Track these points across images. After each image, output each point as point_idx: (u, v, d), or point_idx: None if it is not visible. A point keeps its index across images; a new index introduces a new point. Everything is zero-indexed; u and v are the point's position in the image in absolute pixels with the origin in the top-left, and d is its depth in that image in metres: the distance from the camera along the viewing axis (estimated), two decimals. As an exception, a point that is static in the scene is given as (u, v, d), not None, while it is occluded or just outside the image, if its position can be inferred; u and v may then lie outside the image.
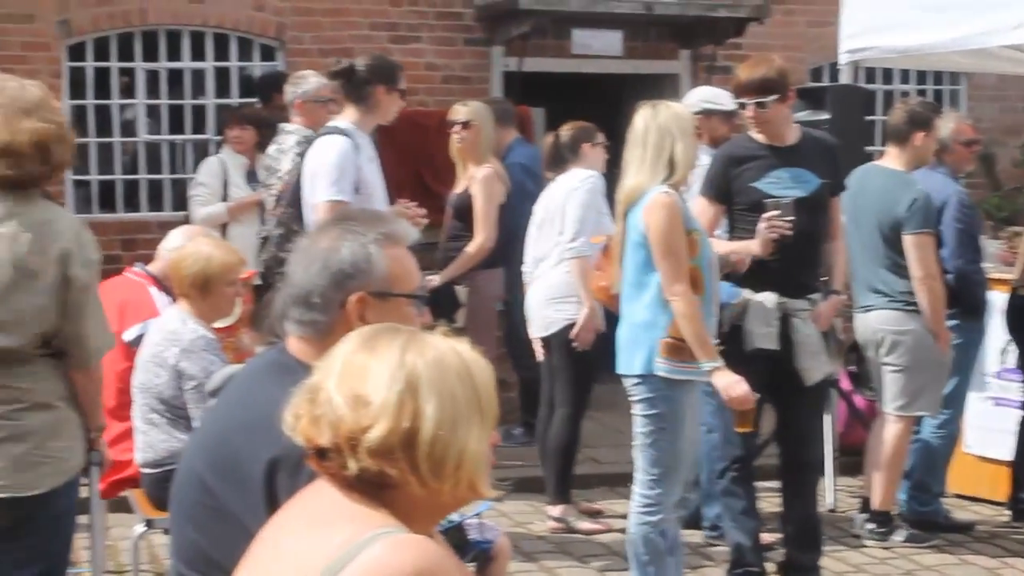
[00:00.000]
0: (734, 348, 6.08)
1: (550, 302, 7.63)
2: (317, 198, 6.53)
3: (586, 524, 7.76)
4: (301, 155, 8.13)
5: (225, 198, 9.51)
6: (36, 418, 4.15)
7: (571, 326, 7.51)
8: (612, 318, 6.35)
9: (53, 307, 4.17)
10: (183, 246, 6.15)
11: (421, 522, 2.45)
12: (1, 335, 4.08)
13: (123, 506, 6.50)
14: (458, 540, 4.46)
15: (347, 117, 6.70)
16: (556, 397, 7.82)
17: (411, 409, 2.35)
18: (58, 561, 4.41)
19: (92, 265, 4.32)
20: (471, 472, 2.41)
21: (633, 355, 5.67)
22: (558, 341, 7.63)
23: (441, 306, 7.80)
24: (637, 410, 5.71)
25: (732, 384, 5.61)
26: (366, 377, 2.38)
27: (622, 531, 6.17)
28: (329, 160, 6.51)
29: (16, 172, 4.11)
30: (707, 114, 7.57)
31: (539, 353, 7.80)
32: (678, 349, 5.55)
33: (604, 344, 6.76)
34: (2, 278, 4.07)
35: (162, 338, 5.72)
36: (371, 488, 2.39)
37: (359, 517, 2.38)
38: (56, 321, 4.20)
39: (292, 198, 6.93)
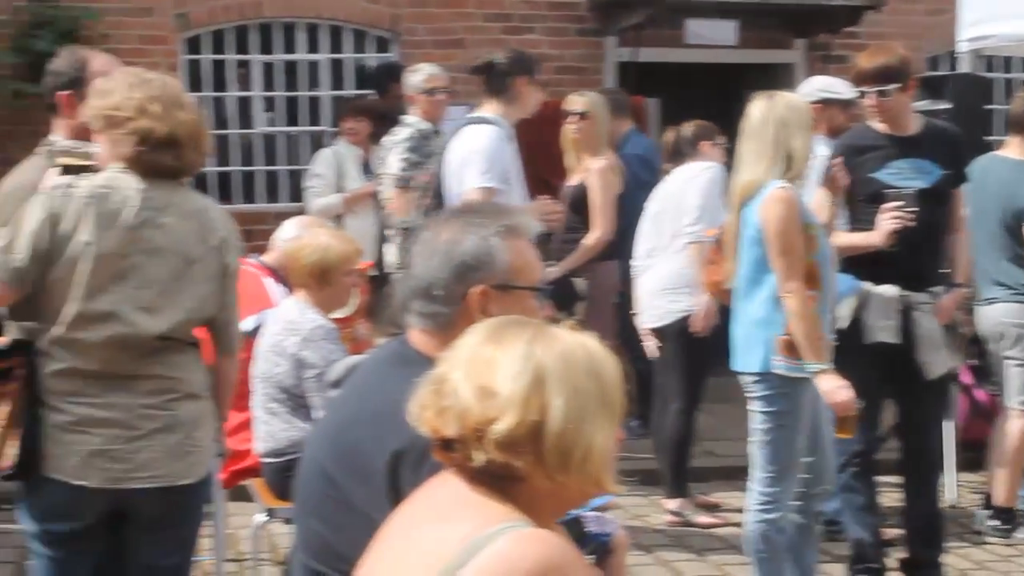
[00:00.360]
0: (853, 342, 6.00)
1: (664, 292, 7.58)
2: (467, 185, 6.58)
3: (703, 518, 7.71)
4: (412, 149, 8.22)
5: (340, 189, 9.56)
6: (187, 408, 4.20)
7: (685, 318, 7.46)
8: (724, 311, 6.29)
9: (211, 294, 4.22)
10: (301, 236, 6.18)
11: (545, 516, 2.43)
12: (163, 322, 4.11)
13: (241, 495, 6.55)
14: (576, 533, 4.43)
15: (489, 111, 6.75)
16: (669, 390, 7.77)
17: (539, 402, 2.34)
18: (193, 550, 4.47)
19: (241, 252, 4.43)
20: (597, 466, 2.39)
21: (750, 352, 5.61)
22: (671, 332, 7.58)
23: (559, 298, 7.78)
24: (755, 407, 5.65)
25: (836, 389, 5.50)
26: (494, 369, 2.37)
27: (739, 525, 6.12)
28: (479, 147, 6.59)
29: (177, 163, 4.16)
30: (825, 103, 7.46)
31: (649, 345, 7.75)
32: (795, 346, 5.48)
33: (717, 336, 6.71)
34: (166, 266, 4.12)
35: (281, 328, 5.75)
36: (497, 480, 2.39)
37: (484, 510, 2.37)
38: (213, 309, 4.24)
39: (436, 189, 6.98)
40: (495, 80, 6.76)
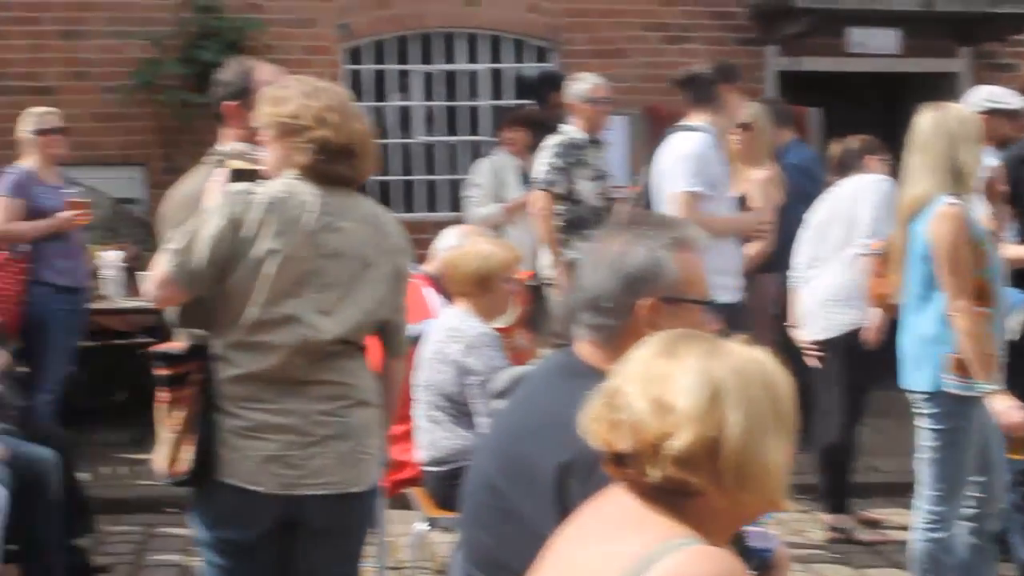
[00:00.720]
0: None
1: (829, 304, 7.47)
2: (673, 188, 6.64)
3: (865, 534, 7.59)
4: (559, 155, 8.24)
5: (499, 199, 9.59)
6: (359, 415, 4.21)
7: (850, 331, 7.35)
8: (890, 325, 6.19)
9: (386, 297, 4.25)
10: (461, 245, 6.21)
11: (717, 533, 2.41)
12: (341, 325, 4.14)
13: (401, 502, 6.58)
14: (738, 548, 4.39)
15: (695, 120, 6.82)
16: (831, 403, 7.66)
17: (716, 417, 2.31)
18: (360, 560, 4.49)
19: (411, 257, 4.47)
20: (773, 484, 2.36)
21: (919, 370, 5.51)
22: (836, 345, 7.47)
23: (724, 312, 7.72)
24: (923, 424, 5.55)
25: (1008, 410, 5.38)
26: (669, 383, 2.35)
27: (902, 542, 6.02)
28: (688, 153, 6.68)
29: (351, 172, 4.20)
30: (991, 114, 7.31)
31: (810, 357, 7.65)
32: (966, 365, 5.37)
33: (882, 350, 6.60)
34: (344, 270, 4.15)
35: (444, 335, 5.78)
36: (669, 496, 2.36)
37: (655, 526, 2.35)
38: (386, 312, 4.28)
39: (643, 198, 7.03)
40: (700, 90, 6.88)
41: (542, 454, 2.92)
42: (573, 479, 2.85)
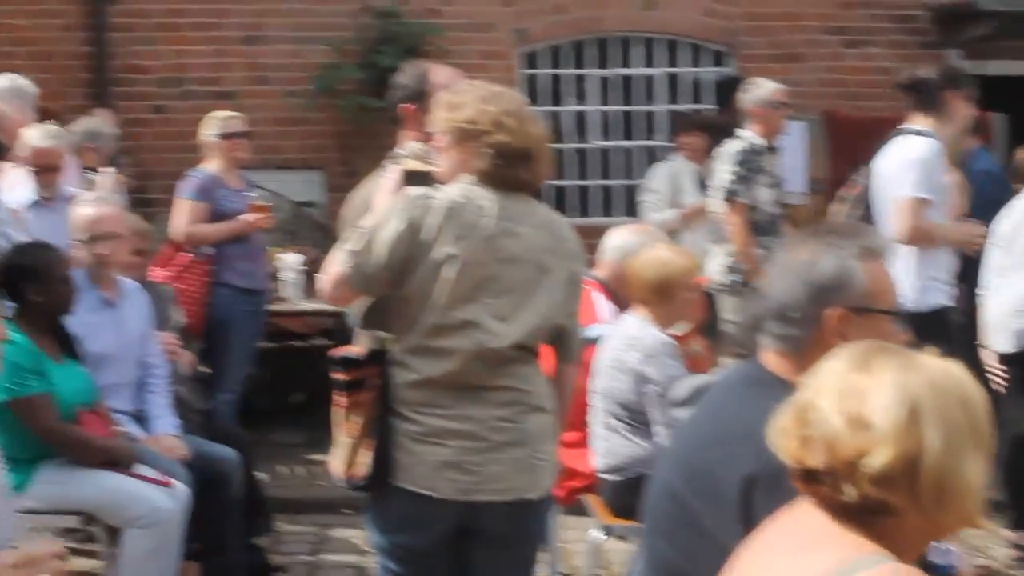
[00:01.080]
0: None
1: (1016, 315, 7.27)
2: (900, 193, 6.56)
3: (1050, 552, 7.39)
4: (742, 163, 8.15)
5: (676, 205, 9.54)
6: (534, 421, 4.19)
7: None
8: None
9: (561, 302, 4.24)
10: (637, 248, 6.16)
11: (908, 551, 2.35)
12: (518, 331, 4.13)
13: (575, 509, 6.55)
14: (922, 564, 4.29)
15: (920, 125, 6.73)
16: (1015, 418, 7.46)
17: (914, 435, 2.25)
18: (534, 568, 4.46)
19: (585, 262, 4.46)
20: (971, 501, 2.29)
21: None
22: (1021, 358, 7.27)
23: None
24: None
25: None
26: (865, 398, 2.29)
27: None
28: (915, 158, 6.60)
29: (528, 176, 4.20)
30: None
31: (994, 370, 7.45)
32: None
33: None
34: (521, 275, 4.14)
35: (623, 343, 5.75)
36: (862, 514, 2.30)
37: (845, 542, 2.30)
38: (562, 317, 4.27)
39: (862, 201, 6.95)
40: (926, 95, 6.76)
41: (727, 465, 2.89)
42: (758, 492, 2.81)
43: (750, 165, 8.27)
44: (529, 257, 4.16)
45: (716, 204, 8.44)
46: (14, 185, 7.23)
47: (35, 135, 7.36)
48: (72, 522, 5.72)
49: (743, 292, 8.16)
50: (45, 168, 7.31)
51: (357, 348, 4.25)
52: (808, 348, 2.96)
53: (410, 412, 4.10)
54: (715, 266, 8.45)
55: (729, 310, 8.37)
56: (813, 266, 3.05)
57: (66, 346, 5.71)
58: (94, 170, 8.28)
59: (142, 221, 7.36)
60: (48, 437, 5.50)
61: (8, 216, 6.46)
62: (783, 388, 2.50)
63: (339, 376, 4.17)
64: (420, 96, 4.71)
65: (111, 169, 8.41)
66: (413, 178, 4.32)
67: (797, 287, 3.05)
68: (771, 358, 3.11)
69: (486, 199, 4.11)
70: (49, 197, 7.29)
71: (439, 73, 4.83)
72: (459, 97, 4.23)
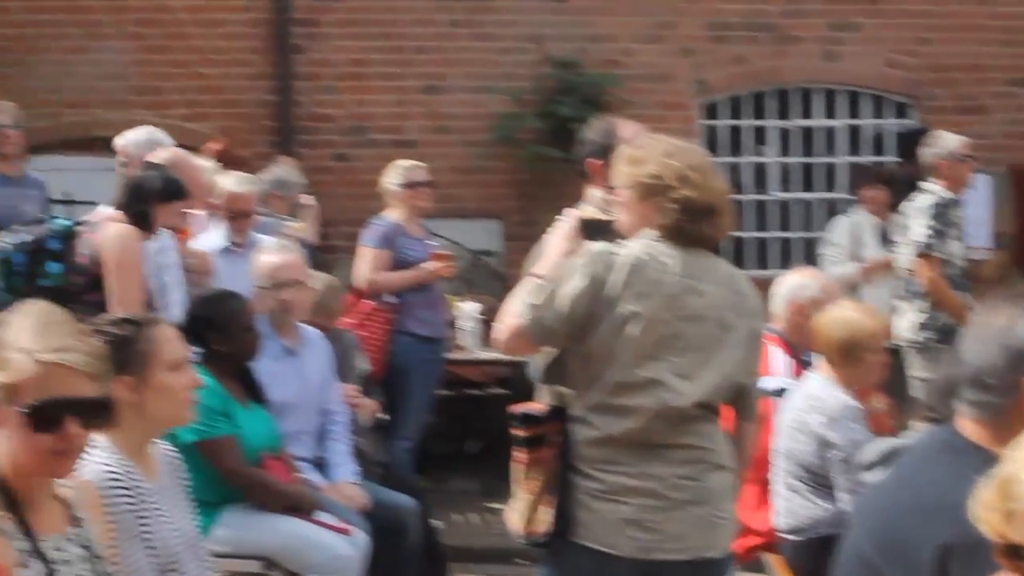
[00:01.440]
0: None
1: None
2: None
3: None
4: (936, 216, 8.01)
5: (857, 259, 9.42)
6: (715, 479, 4.15)
7: None
8: None
9: (743, 360, 4.20)
10: (826, 306, 6.05)
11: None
12: (701, 389, 4.10)
13: (752, 567, 6.46)
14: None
15: None
16: None
17: None
18: None
19: (765, 319, 4.42)
20: None
21: None
22: None
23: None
24: None
25: None
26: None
27: None
28: None
29: (712, 232, 4.17)
30: None
31: None
32: None
33: None
34: (704, 333, 4.11)
35: (806, 404, 5.66)
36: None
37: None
38: (743, 375, 4.23)
39: None
40: None
41: (922, 534, 2.83)
42: (955, 562, 2.75)
43: (944, 219, 8.14)
44: (712, 315, 4.12)
45: (906, 259, 8.29)
46: (206, 231, 7.35)
47: (231, 181, 7.50)
48: (253, 567, 5.74)
49: (935, 350, 8.00)
50: (238, 214, 7.46)
51: (537, 405, 4.24)
52: (1008, 416, 2.89)
53: (591, 469, 4.08)
54: (904, 323, 8.30)
55: (918, 368, 8.21)
56: (1011, 331, 2.97)
57: (252, 391, 5.81)
58: (282, 218, 8.41)
59: (333, 279, 7.44)
60: (233, 479, 5.59)
61: (173, 259, 6.53)
62: (980, 456, 2.44)
63: (519, 432, 4.16)
64: (607, 151, 4.69)
65: (301, 223, 8.49)
66: (592, 226, 4.30)
67: (994, 353, 2.97)
68: (968, 425, 3.03)
69: (669, 255, 4.08)
70: (239, 243, 7.42)
71: (626, 128, 4.82)
72: (640, 152, 4.21)
